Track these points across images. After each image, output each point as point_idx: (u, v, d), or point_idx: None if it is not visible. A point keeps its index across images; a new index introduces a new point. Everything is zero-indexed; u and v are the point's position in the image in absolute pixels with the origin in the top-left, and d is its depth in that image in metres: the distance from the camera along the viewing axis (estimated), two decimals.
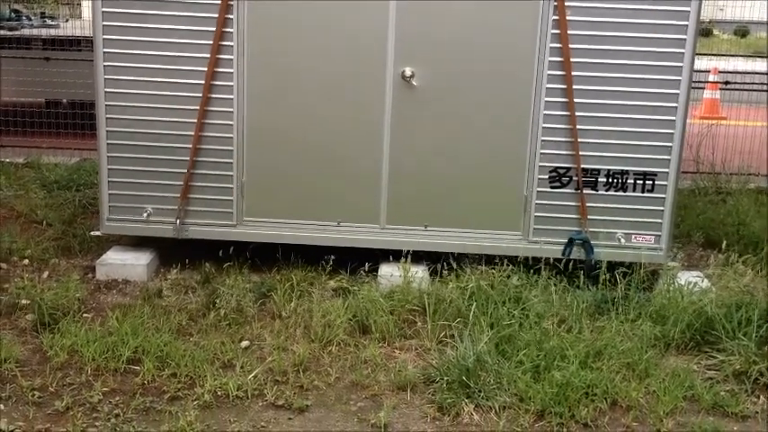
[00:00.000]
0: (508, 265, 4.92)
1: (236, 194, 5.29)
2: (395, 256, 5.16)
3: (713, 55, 12.05)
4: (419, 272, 5.06)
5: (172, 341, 4.25)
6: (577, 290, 4.89)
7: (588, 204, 5.18)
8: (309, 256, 5.32)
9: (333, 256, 5.10)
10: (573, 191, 5.18)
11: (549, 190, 5.20)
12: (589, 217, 5.18)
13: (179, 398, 3.86)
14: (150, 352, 4.13)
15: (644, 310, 4.68)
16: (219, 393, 3.88)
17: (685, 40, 4.97)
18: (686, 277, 5.09)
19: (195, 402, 3.81)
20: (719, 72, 10.88)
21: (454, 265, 5.01)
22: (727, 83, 9.24)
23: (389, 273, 5.10)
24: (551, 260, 5.06)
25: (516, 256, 5.04)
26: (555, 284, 4.84)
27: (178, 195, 5.26)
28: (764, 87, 8.89)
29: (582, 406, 3.83)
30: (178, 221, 5.29)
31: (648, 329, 4.48)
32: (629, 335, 4.43)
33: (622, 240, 5.20)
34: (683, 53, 4.99)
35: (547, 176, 5.19)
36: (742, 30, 26.21)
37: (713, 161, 7.99)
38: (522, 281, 4.83)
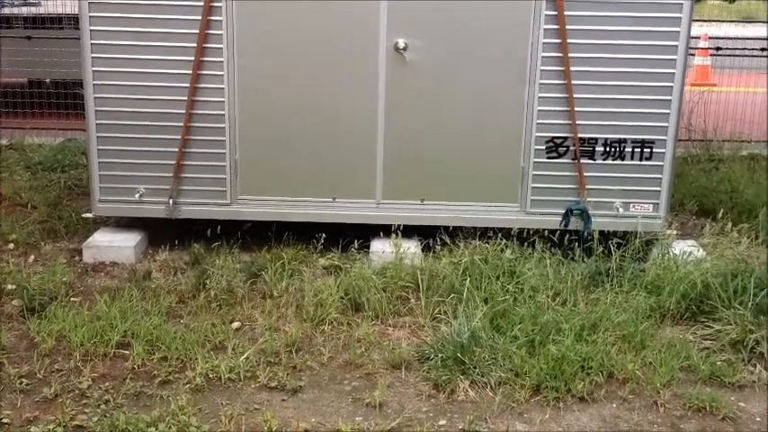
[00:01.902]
0: (502, 239, 4.87)
1: (229, 172, 5.21)
2: (386, 232, 5.10)
3: (703, 21, 11.94)
4: (411, 247, 5.00)
5: (161, 324, 4.19)
6: (572, 262, 4.84)
7: (586, 174, 5.12)
8: (300, 234, 5.25)
9: (324, 234, 5.03)
10: (570, 161, 5.13)
11: (546, 160, 5.14)
12: (587, 187, 5.12)
13: (170, 382, 3.80)
14: (140, 335, 4.06)
15: (639, 280, 4.64)
16: (211, 376, 3.83)
17: (682, 4, 4.90)
18: (681, 247, 5.05)
19: (186, 386, 3.75)
20: (710, 38, 10.80)
21: (447, 240, 4.95)
22: (718, 49, 9.15)
23: (381, 249, 5.04)
24: (545, 233, 5.01)
25: (510, 230, 4.99)
26: (549, 257, 4.79)
27: (170, 175, 5.18)
28: (758, 53, 8.81)
29: (578, 379, 3.80)
30: (171, 201, 5.21)
31: (643, 300, 4.45)
32: (624, 306, 4.39)
33: (620, 210, 5.16)
34: (679, 18, 4.91)
35: (544, 147, 5.13)
36: None
37: (705, 128, 7.94)
38: (516, 254, 4.77)
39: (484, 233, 5.01)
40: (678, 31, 4.93)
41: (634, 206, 5.18)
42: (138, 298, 4.50)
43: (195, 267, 4.96)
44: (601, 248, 4.86)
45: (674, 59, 4.98)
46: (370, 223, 5.22)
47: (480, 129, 5.13)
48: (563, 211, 5.14)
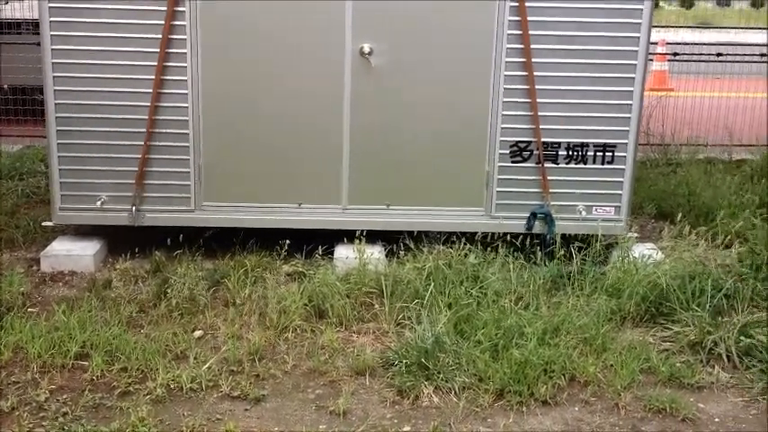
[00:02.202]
0: (465, 243, 4.89)
1: (193, 179, 5.16)
2: (350, 237, 5.09)
3: (661, 27, 12.13)
4: (375, 253, 5.00)
5: (121, 334, 4.12)
6: (534, 266, 4.87)
7: (549, 178, 5.17)
8: (264, 240, 5.22)
9: (288, 241, 5.00)
10: (534, 165, 5.17)
11: (510, 165, 5.18)
12: (550, 191, 5.17)
13: (130, 393, 3.74)
14: (99, 346, 4.00)
15: (599, 284, 4.69)
16: (172, 386, 3.78)
17: (642, 10, 4.96)
18: (640, 250, 5.11)
19: (147, 397, 3.70)
20: (667, 44, 10.97)
21: (411, 245, 4.96)
22: (675, 54, 9.30)
23: (345, 255, 5.03)
24: (508, 237, 5.04)
25: (474, 235, 5.01)
26: (512, 261, 4.82)
27: (133, 181, 5.11)
28: (714, 58, 8.97)
29: (540, 383, 3.82)
30: (134, 208, 5.14)
31: (604, 303, 4.50)
32: (586, 309, 4.43)
33: (583, 213, 5.21)
34: (639, 23, 4.98)
35: (508, 151, 5.17)
36: (688, 1, 26.53)
37: (663, 133, 8.06)
38: (480, 259, 4.80)
39: (448, 238, 5.03)
40: (638, 37, 5.01)
41: (596, 209, 5.24)
42: (97, 308, 4.43)
43: (156, 276, 4.90)
44: (562, 252, 4.90)
45: (635, 64, 5.05)
46: (337, 229, 5.21)
47: (446, 134, 5.15)
48: (527, 215, 5.18)
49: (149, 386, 3.76)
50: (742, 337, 4.14)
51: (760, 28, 12.68)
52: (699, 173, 6.91)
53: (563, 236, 5.04)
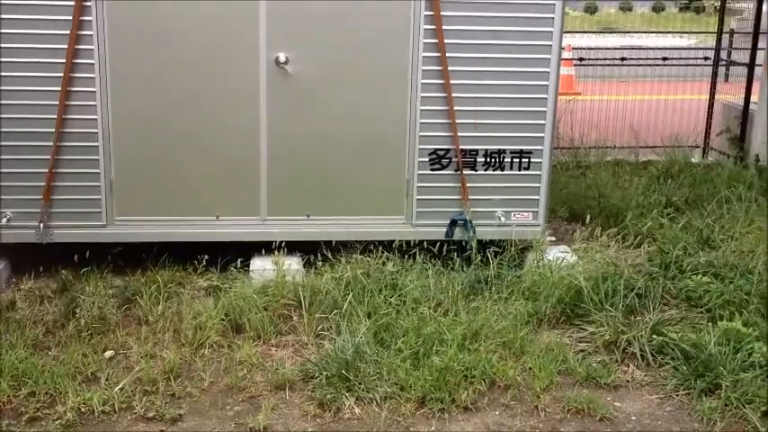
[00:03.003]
0: (383, 252, 4.87)
1: (104, 192, 4.98)
2: (268, 249, 5.00)
3: (567, 32, 12.41)
4: (293, 264, 4.93)
5: (28, 357, 3.94)
6: (452, 272, 4.90)
7: (468, 185, 5.20)
8: (179, 255, 5.08)
9: (206, 255, 4.88)
10: (453, 172, 5.19)
11: (429, 172, 5.19)
12: (470, 197, 5.21)
13: (38, 418, 3.58)
14: (4, 371, 3.81)
15: (516, 287, 4.75)
16: (83, 410, 3.63)
17: (553, 18, 5.05)
18: (554, 252, 5.20)
19: (57, 422, 3.55)
20: (573, 48, 11.25)
21: (329, 255, 4.91)
22: (581, 59, 9.54)
23: (262, 267, 4.94)
24: (425, 244, 5.05)
25: (392, 243, 5.00)
26: (430, 268, 4.83)
27: (40, 197, 4.90)
28: (616, 62, 9.24)
29: (462, 389, 3.83)
30: (41, 225, 4.93)
31: (521, 307, 4.55)
32: (504, 314, 4.47)
33: (502, 219, 5.27)
34: (551, 32, 5.06)
35: (427, 159, 5.17)
36: (591, 6, 27.35)
37: (572, 136, 8.25)
38: (398, 267, 4.79)
39: (366, 247, 5.00)
40: (550, 45, 5.10)
41: (515, 215, 5.30)
42: (1, 330, 4.22)
43: (63, 295, 4.70)
44: (479, 257, 4.94)
45: (548, 72, 5.13)
46: (256, 241, 5.09)
47: (365, 142, 5.12)
48: (448, 222, 5.20)
49: (59, 410, 3.61)
50: (654, 336, 4.25)
51: (661, 32, 13.16)
52: (608, 175, 7.10)
53: (479, 241, 5.08)
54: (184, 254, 5.06)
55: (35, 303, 4.66)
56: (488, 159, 5.22)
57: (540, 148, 5.24)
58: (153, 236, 5.07)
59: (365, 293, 4.51)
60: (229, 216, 5.13)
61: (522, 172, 5.25)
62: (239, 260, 4.92)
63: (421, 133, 5.13)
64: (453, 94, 5.05)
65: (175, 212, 5.08)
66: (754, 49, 8.27)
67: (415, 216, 5.24)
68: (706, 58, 9.08)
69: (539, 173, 5.27)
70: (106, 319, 4.41)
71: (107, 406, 3.65)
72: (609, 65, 9.48)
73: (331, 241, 5.08)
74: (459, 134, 5.12)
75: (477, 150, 5.19)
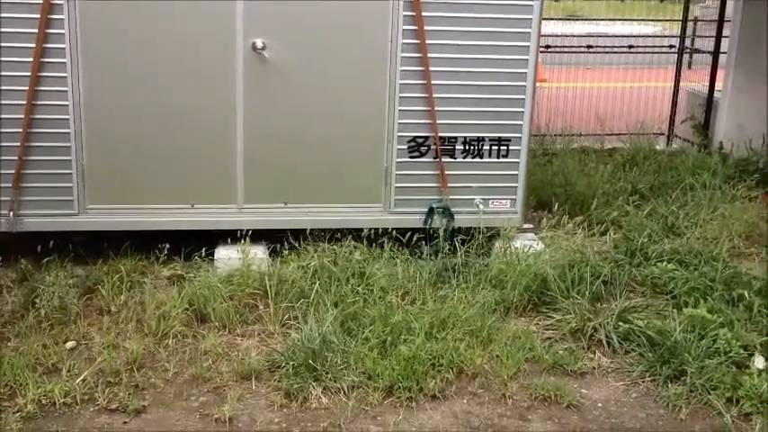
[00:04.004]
0: (351, 240, 4.84)
1: (75, 180, 4.86)
2: (233, 238, 4.93)
3: (573, 19, 12.38)
4: (258, 253, 4.87)
5: None
6: (419, 260, 4.87)
7: (447, 173, 5.17)
8: (141, 244, 4.98)
9: (167, 244, 4.79)
10: (432, 160, 5.16)
11: (408, 160, 5.15)
12: (449, 185, 5.18)
13: None
14: None
15: (483, 276, 4.74)
16: (44, 402, 3.57)
17: (532, 6, 5.03)
18: (521, 240, 5.20)
19: (17, 414, 3.48)
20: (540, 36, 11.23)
21: (295, 244, 4.86)
22: (547, 47, 9.54)
23: (227, 256, 4.87)
24: (394, 233, 5.01)
25: (360, 231, 4.96)
26: (398, 257, 4.80)
27: (9, 185, 4.76)
28: (582, 49, 9.27)
29: (429, 378, 3.83)
30: (11, 213, 4.80)
31: (489, 295, 4.54)
32: (471, 302, 4.46)
33: (481, 206, 5.25)
34: (530, 19, 5.04)
35: (406, 146, 5.13)
36: None
37: (538, 123, 8.26)
38: (366, 255, 4.76)
39: (332, 235, 4.96)
40: (529, 32, 5.07)
41: (493, 202, 5.29)
42: None
43: (23, 285, 4.59)
44: (447, 246, 4.93)
45: (527, 59, 5.11)
46: (232, 229, 5.00)
47: (343, 130, 5.06)
48: (426, 210, 5.18)
49: (19, 403, 3.55)
50: (620, 323, 4.27)
51: (626, 19, 13.22)
52: (574, 162, 7.13)
53: (447, 230, 5.05)
54: (145, 242, 4.96)
55: None
56: (467, 147, 5.19)
57: (518, 135, 5.23)
58: (126, 224, 4.97)
59: (332, 282, 4.48)
60: (205, 204, 5.04)
61: (501, 159, 5.24)
62: (203, 249, 4.84)
63: (400, 120, 5.08)
64: (432, 81, 5.01)
65: (150, 200, 4.98)
66: (719, 36, 8.35)
67: (394, 204, 5.20)
68: (671, 46, 9.14)
69: (517, 160, 5.26)
70: (67, 310, 4.32)
71: (69, 398, 3.59)
72: (575, 52, 9.48)
73: (298, 230, 5.02)
74: (437, 122, 5.09)
75: (455, 138, 5.16)
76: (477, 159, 5.22)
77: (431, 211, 5.18)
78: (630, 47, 9.31)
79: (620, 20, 12.94)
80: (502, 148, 5.22)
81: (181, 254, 4.89)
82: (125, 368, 3.84)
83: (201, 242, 4.91)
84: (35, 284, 4.49)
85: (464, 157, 5.21)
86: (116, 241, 4.98)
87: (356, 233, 4.97)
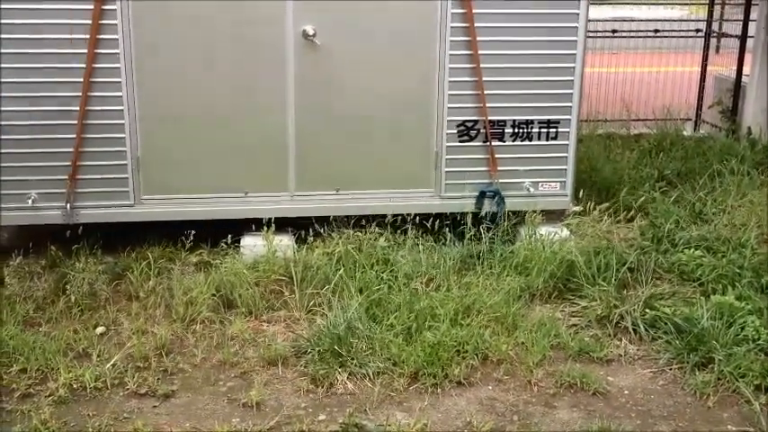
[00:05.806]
0: (375, 227, 4.85)
1: (131, 171, 4.90)
2: (258, 225, 4.95)
3: (598, 3, 12.20)
4: (284, 240, 4.89)
5: (18, 333, 3.93)
6: (443, 247, 4.88)
7: (497, 156, 5.17)
8: (168, 232, 5.02)
9: (193, 231, 4.83)
10: (481, 143, 5.16)
11: (458, 144, 5.15)
12: (498, 168, 5.18)
13: (31, 395, 3.57)
14: None
15: (508, 262, 4.73)
16: (75, 386, 3.62)
17: None
18: (546, 227, 5.18)
19: (49, 398, 3.54)
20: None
21: (320, 231, 4.88)
22: (614, 31, 9.43)
23: (253, 243, 4.90)
24: (417, 219, 5.01)
25: (384, 218, 4.96)
26: (422, 243, 4.81)
27: (66, 177, 4.82)
28: (607, 34, 9.17)
29: (454, 364, 3.83)
30: (68, 206, 4.85)
31: (514, 282, 4.54)
32: (496, 288, 4.46)
33: (531, 189, 5.25)
34: (579, 1, 5.02)
35: (455, 131, 5.13)
36: None
37: None
38: (390, 242, 4.77)
39: (357, 222, 4.97)
40: (578, 14, 5.05)
41: (543, 185, 5.29)
42: None
43: (53, 271, 4.67)
44: (472, 232, 4.92)
45: (576, 41, 5.09)
46: (286, 216, 5.03)
47: (393, 115, 5.06)
48: (476, 194, 5.18)
49: (51, 387, 3.60)
50: (647, 310, 4.25)
51: (653, 3, 13.05)
52: (599, 149, 7.07)
53: (473, 215, 5.05)
54: (170, 231, 4.99)
55: (25, 280, 4.62)
56: (516, 130, 5.19)
57: (567, 117, 5.22)
58: (181, 214, 5.00)
59: (357, 269, 4.50)
60: (258, 192, 5.06)
61: (550, 142, 5.23)
62: (229, 236, 4.87)
63: (449, 105, 5.08)
64: (481, 65, 5.00)
65: (203, 190, 5.01)
66: (746, 20, 8.23)
67: (444, 188, 5.20)
68: (698, 30, 9.02)
69: (566, 142, 5.25)
70: (96, 295, 4.39)
71: (99, 382, 3.64)
72: (600, 37, 9.39)
73: (324, 216, 5.04)
74: (487, 105, 5.07)
75: (505, 121, 5.15)
76: (527, 142, 5.21)
77: (481, 195, 5.17)
78: (656, 31, 9.20)
79: (646, 4, 12.76)
80: (551, 130, 5.21)
81: (207, 242, 4.93)
82: (154, 353, 3.89)
83: (226, 230, 4.95)
84: (65, 271, 4.56)
85: (513, 141, 5.20)
86: (143, 230, 5.02)
87: (381, 219, 4.97)
